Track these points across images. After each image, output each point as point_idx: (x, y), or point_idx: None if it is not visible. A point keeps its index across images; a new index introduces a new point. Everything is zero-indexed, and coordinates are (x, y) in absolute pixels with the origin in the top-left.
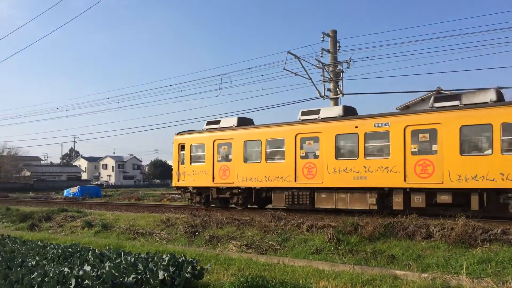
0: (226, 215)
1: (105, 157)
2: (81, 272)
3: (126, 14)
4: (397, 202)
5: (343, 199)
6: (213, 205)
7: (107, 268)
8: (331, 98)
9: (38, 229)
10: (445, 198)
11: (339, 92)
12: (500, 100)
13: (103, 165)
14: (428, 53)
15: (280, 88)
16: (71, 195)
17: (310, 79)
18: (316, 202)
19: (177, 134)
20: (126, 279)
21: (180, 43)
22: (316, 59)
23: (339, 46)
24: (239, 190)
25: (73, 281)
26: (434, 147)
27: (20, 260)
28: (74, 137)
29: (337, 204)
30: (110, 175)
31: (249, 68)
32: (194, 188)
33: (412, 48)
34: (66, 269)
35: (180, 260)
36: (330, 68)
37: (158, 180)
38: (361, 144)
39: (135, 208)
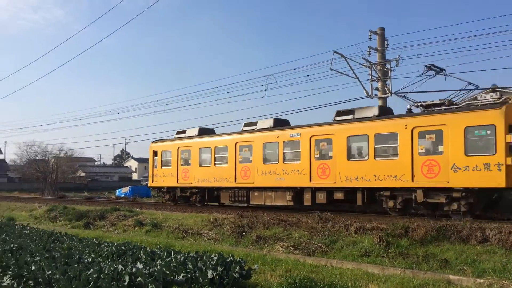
0: (273, 216)
1: None
2: (134, 270)
3: (176, 16)
4: (307, 199)
5: (270, 197)
6: (179, 202)
7: (158, 266)
8: (379, 97)
9: (92, 227)
10: (339, 195)
11: (387, 91)
12: (381, 114)
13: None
14: (484, 49)
15: (326, 88)
16: (123, 195)
17: (357, 78)
18: (251, 199)
19: (152, 142)
20: (176, 277)
21: (226, 44)
22: (363, 58)
23: (387, 44)
24: (197, 190)
25: (126, 278)
26: (330, 154)
27: (77, 257)
28: (125, 139)
29: (266, 201)
30: None
31: (294, 69)
32: (164, 187)
33: (467, 44)
34: (120, 266)
35: (228, 260)
36: (378, 67)
37: None
38: (280, 151)
39: (183, 208)
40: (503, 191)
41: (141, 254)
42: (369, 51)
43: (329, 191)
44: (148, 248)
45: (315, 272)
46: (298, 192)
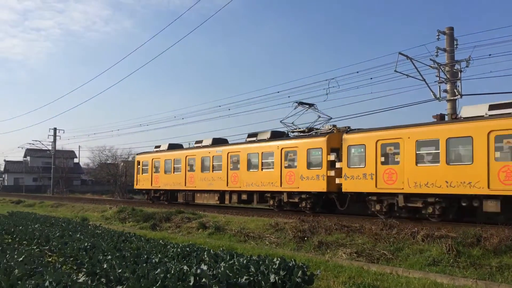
0: (335, 221)
1: None
2: (198, 271)
3: (241, 24)
4: (227, 198)
5: (206, 197)
6: (154, 201)
7: (222, 268)
8: (447, 100)
9: (159, 228)
10: (244, 197)
11: (457, 93)
12: (272, 137)
13: None
14: None
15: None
16: None
17: (424, 80)
18: (196, 199)
19: (137, 154)
20: (239, 280)
21: (288, 50)
22: (430, 59)
23: (457, 44)
24: (163, 191)
25: (192, 279)
26: (238, 166)
27: (145, 256)
28: (189, 143)
29: (203, 200)
30: None
31: (357, 72)
32: (144, 189)
33: None
34: (185, 267)
35: (290, 265)
36: (447, 68)
37: None
38: (211, 163)
39: (244, 211)
40: (327, 194)
41: (205, 256)
42: (437, 52)
43: (239, 193)
44: (211, 250)
45: (380, 280)
46: (221, 194)
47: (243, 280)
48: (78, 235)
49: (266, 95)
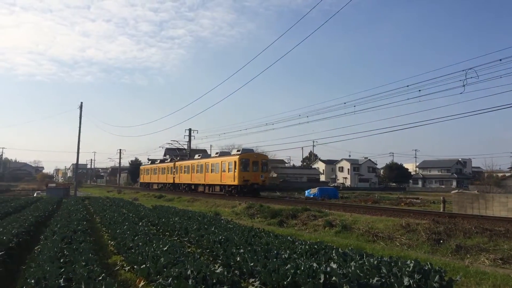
0: (474, 223)
1: (341, 160)
2: (328, 269)
3: (363, 19)
4: (207, 189)
5: (200, 188)
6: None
7: (352, 268)
8: None
9: (285, 225)
10: (207, 188)
11: None
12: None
13: (339, 167)
14: None
15: None
16: (311, 196)
17: None
18: (196, 189)
19: (140, 166)
20: (370, 281)
21: (417, 42)
22: None
23: None
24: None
25: (322, 276)
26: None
27: (275, 252)
28: (313, 141)
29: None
30: (346, 178)
31: (500, 60)
32: (144, 182)
33: None
34: (314, 264)
35: (426, 268)
36: None
37: (394, 184)
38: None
39: (372, 210)
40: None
41: (333, 254)
42: None
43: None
44: (339, 249)
45: None
46: (203, 186)
47: (374, 281)
48: (212, 229)
49: (390, 90)
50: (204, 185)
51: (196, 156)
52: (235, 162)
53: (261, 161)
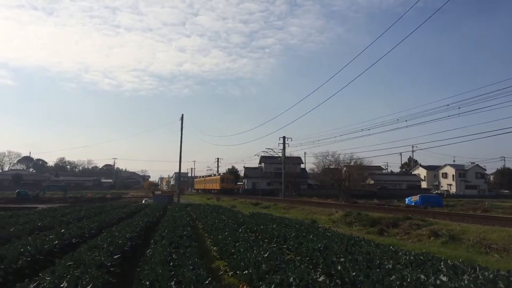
0: None
1: (445, 165)
2: (438, 282)
3: (470, 12)
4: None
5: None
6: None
7: (466, 282)
8: None
9: (386, 234)
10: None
11: None
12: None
13: (442, 173)
14: None
15: None
16: (412, 203)
17: None
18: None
19: (194, 178)
20: None
21: None
22: None
23: None
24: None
25: None
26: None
27: (377, 262)
28: (413, 146)
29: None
30: (450, 184)
31: None
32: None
33: None
34: (422, 276)
35: None
36: None
37: (507, 191)
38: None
39: (483, 220)
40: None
41: (442, 266)
42: None
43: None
44: (448, 260)
45: None
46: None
47: None
48: (311, 236)
49: (503, 88)
50: (209, 189)
51: (206, 176)
52: (219, 179)
53: (230, 178)
